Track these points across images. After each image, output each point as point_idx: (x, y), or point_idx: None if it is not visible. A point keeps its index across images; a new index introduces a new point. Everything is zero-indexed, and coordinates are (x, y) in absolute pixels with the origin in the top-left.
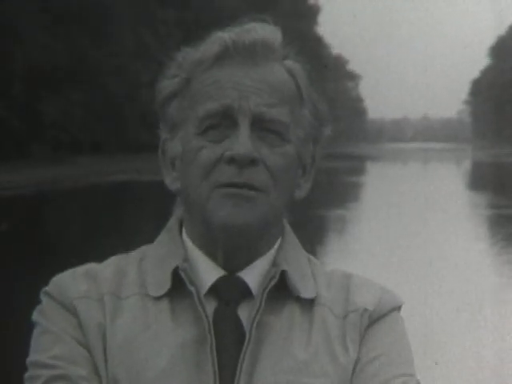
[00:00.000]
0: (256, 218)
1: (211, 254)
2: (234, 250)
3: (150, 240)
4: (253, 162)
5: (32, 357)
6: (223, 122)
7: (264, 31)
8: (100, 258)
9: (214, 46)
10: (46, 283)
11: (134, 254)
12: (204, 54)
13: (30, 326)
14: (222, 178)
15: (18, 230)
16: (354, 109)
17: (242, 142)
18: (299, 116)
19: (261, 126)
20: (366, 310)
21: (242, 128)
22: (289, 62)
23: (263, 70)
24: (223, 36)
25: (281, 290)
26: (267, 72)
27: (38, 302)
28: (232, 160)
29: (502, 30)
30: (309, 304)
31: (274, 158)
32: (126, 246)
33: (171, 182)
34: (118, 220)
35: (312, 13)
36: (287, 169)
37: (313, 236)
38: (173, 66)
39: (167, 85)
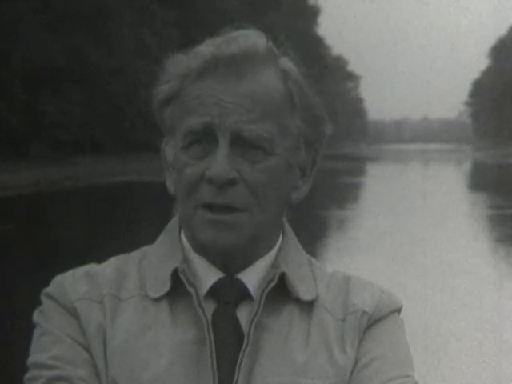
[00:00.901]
0: (238, 240)
1: (209, 258)
2: (228, 259)
3: (151, 240)
4: (231, 182)
5: (32, 357)
6: (205, 137)
7: (246, 40)
8: (100, 258)
9: (194, 61)
10: (46, 283)
11: (135, 255)
12: (188, 68)
13: (30, 326)
14: (203, 197)
15: (18, 230)
16: (354, 110)
17: (219, 163)
18: (288, 125)
19: (243, 142)
20: (364, 312)
21: (221, 147)
22: (282, 64)
23: (246, 83)
24: (203, 50)
25: (280, 291)
26: (251, 84)
27: (39, 302)
28: (211, 180)
29: (502, 31)
30: (308, 306)
31: (256, 175)
32: (126, 246)
33: (170, 184)
34: (118, 220)
35: (312, 13)
36: (271, 184)
37: (313, 236)
38: (166, 72)
39: (161, 90)
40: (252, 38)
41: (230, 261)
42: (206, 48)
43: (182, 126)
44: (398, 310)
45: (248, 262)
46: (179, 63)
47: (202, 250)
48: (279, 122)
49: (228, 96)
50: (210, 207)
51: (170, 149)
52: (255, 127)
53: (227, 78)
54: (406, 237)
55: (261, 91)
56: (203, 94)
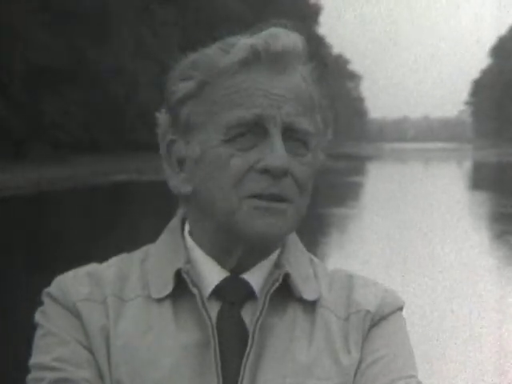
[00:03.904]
0: (285, 229)
1: (217, 258)
2: (247, 256)
3: (151, 240)
4: (286, 172)
5: (35, 359)
6: (252, 129)
7: (289, 37)
8: (100, 257)
9: (242, 52)
10: (46, 284)
11: (136, 255)
12: (230, 59)
13: (30, 327)
14: (256, 188)
15: (18, 230)
16: (355, 109)
17: (278, 154)
18: (316, 125)
19: (290, 135)
20: (368, 311)
21: (275, 138)
22: (304, 68)
23: (288, 78)
24: (254, 42)
25: (284, 291)
26: (291, 80)
27: (38, 302)
28: (266, 171)
29: (502, 30)
30: (311, 306)
31: (302, 168)
32: (126, 245)
33: (180, 183)
34: (118, 220)
35: (313, 12)
36: (311, 179)
37: (313, 236)
38: (186, 68)
39: (181, 87)
40: (293, 36)
41: (253, 254)
42: (251, 41)
43: (225, 119)
44: (401, 309)
45: (253, 262)
46: (208, 56)
47: (222, 247)
48: (313, 120)
49: (275, 89)
50: (259, 197)
51: (195, 145)
52: (304, 121)
53: (271, 71)
54: (406, 235)
55: (299, 88)
56: (249, 86)
